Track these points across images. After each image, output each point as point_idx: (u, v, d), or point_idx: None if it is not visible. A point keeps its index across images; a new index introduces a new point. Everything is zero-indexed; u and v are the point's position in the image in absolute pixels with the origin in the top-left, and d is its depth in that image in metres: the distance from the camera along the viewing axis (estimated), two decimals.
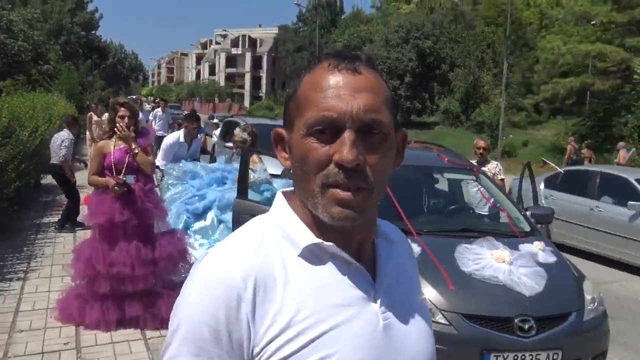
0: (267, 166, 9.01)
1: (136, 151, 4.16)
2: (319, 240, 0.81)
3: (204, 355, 0.75)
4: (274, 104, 56.66)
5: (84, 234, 6.50)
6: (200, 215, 5.39)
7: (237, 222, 4.72)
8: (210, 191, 5.58)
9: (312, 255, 0.81)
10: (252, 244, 0.81)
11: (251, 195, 5.57)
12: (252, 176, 5.67)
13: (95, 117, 12.86)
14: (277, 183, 5.58)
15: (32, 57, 22.65)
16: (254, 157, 5.84)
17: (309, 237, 0.81)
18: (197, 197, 5.55)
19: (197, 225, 5.34)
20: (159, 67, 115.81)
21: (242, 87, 71.04)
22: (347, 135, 0.76)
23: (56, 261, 5.83)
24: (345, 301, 0.80)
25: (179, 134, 6.66)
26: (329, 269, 0.82)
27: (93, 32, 43.77)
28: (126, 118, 4.16)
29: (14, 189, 7.02)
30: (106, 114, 12.72)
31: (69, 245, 6.37)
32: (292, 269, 0.80)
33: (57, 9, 37.85)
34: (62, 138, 7.29)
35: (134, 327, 4.13)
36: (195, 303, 0.76)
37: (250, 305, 0.76)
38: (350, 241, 0.83)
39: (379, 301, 0.83)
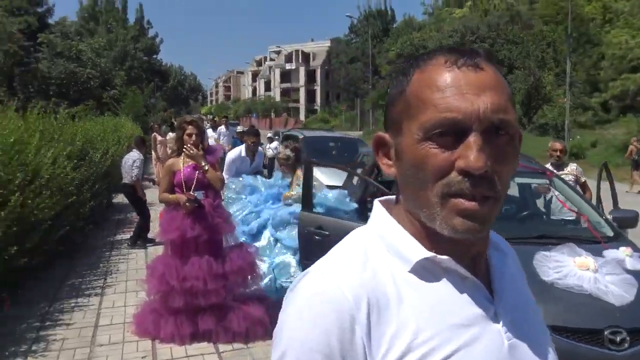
0: (326, 178, 9.05)
1: (206, 168, 4.26)
2: (432, 254, 0.74)
3: None
4: (329, 116, 57.01)
5: (154, 250, 6.72)
6: (255, 235, 5.44)
7: (302, 235, 4.73)
8: (265, 209, 5.63)
9: (424, 271, 0.74)
10: (357, 260, 0.74)
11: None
12: (296, 191, 5.68)
13: (159, 137, 13.39)
14: (332, 194, 5.57)
15: (100, 83, 23.97)
16: (298, 171, 5.85)
17: (421, 251, 0.74)
18: (253, 214, 5.61)
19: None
20: (216, 86, 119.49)
21: (297, 101, 72.02)
22: (474, 138, 0.68)
23: (130, 277, 6.04)
24: (465, 320, 0.73)
25: (240, 149, 6.80)
26: (444, 285, 0.75)
27: (154, 56, 45.77)
28: (193, 136, 4.26)
29: (89, 209, 7.38)
30: (170, 134, 13.29)
31: (142, 261, 6.61)
32: (404, 286, 0.73)
33: (122, 37, 39.89)
34: (133, 158, 7.59)
35: (207, 341, 4.20)
36: (302, 328, 0.70)
37: (365, 327, 0.69)
38: (466, 254, 0.76)
39: (501, 319, 0.76)
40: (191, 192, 4.21)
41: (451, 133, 0.69)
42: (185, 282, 4.08)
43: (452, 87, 0.70)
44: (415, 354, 0.69)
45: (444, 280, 0.75)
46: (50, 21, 27.15)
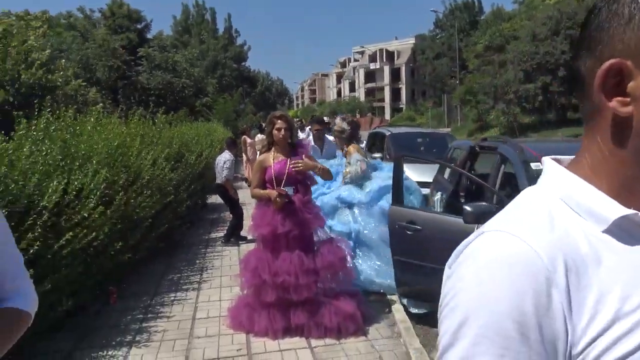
0: (415, 174, 8.80)
1: (320, 166, 4.34)
2: (633, 211, 0.63)
3: (509, 356, 0.59)
4: (414, 114, 56.04)
5: (247, 247, 6.88)
6: None
7: (393, 230, 4.60)
8: (318, 198, 5.60)
9: (620, 231, 0.63)
10: (542, 219, 0.64)
11: (349, 191, 5.43)
12: (350, 169, 5.55)
13: (248, 140, 13.82)
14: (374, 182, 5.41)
15: (194, 92, 25.20)
16: (350, 147, 5.67)
17: (619, 209, 0.63)
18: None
19: None
20: (302, 89, 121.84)
21: (382, 100, 71.60)
22: None
23: (224, 272, 6.22)
24: None
25: (308, 139, 6.83)
26: None
27: (243, 63, 47.51)
28: (283, 130, 4.27)
29: (185, 208, 7.73)
30: (258, 136, 13.64)
31: (235, 258, 6.80)
32: (600, 247, 0.63)
33: (213, 47, 41.82)
34: (224, 159, 7.85)
35: (299, 336, 4.19)
36: (488, 291, 0.61)
37: (564, 292, 0.59)
38: None
39: None
40: (281, 188, 4.23)
41: None
42: (277, 276, 4.10)
43: None
44: (624, 324, 0.58)
45: None
46: (149, 36, 28.95)
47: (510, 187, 4.89)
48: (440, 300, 0.66)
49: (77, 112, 6.82)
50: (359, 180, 5.53)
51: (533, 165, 4.16)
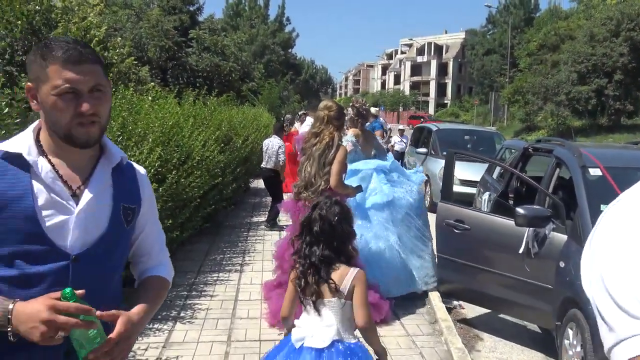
0: (461, 171, 8.66)
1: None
2: None
3: None
4: (459, 111, 55.02)
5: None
6: None
7: (440, 227, 4.56)
8: None
9: None
10: None
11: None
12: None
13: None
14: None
15: (240, 76, 25.44)
16: (352, 129, 5.49)
17: None
18: None
19: None
20: (346, 79, 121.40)
21: (427, 94, 70.58)
22: None
23: (266, 257, 6.30)
24: None
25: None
26: None
27: (290, 50, 47.61)
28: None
29: (231, 190, 7.86)
30: (296, 124, 13.69)
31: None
32: None
33: (262, 32, 42.06)
34: (278, 144, 7.89)
35: None
36: None
37: None
38: None
39: None
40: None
41: None
42: None
43: None
44: None
45: None
46: (200, 18, 29.29)
47: (564, 192, 4.76)
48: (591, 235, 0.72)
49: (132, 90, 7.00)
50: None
51: (591, 171, 4.04)
